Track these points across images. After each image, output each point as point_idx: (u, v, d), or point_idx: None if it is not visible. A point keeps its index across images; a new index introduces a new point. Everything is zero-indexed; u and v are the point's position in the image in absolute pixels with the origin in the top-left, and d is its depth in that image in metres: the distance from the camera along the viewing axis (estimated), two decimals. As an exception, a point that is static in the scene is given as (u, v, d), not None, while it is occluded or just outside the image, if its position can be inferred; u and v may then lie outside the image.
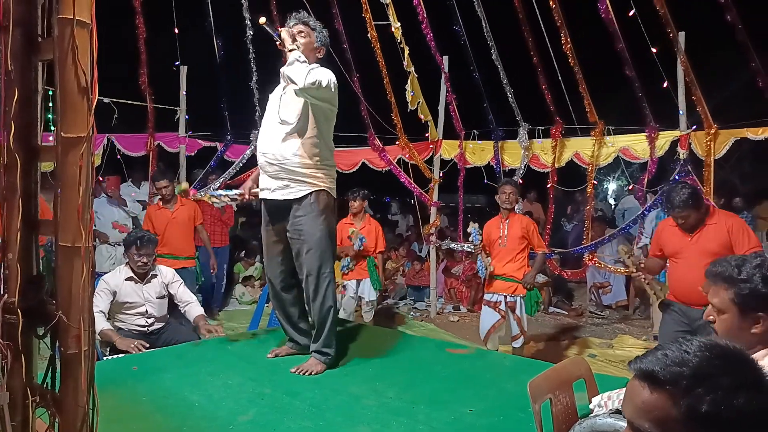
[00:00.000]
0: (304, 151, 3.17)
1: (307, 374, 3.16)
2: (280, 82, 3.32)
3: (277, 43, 3.20)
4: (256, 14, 7.41)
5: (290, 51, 3.11)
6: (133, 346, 3.78)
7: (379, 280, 6.09)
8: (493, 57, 6.78)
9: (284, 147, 3.18)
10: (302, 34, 3.21)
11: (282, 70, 3.13)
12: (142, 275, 4.24)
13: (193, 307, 4.35)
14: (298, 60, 3.06)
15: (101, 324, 3.97)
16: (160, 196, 6.04)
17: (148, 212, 6.16)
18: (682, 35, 5.73)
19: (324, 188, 3.24)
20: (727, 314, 1.82)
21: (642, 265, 4.04)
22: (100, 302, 4.02)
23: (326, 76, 3.08)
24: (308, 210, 3.20)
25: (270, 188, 3.27)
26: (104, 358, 3.61)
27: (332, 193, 3.32)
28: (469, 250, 5.27)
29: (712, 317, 1.87)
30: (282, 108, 3.22)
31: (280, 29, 3.19)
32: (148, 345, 3.88)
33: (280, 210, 3.29)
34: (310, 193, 3.20)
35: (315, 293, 3.24)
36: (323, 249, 3.22)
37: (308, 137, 3.18)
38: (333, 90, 3.14)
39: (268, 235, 3.43)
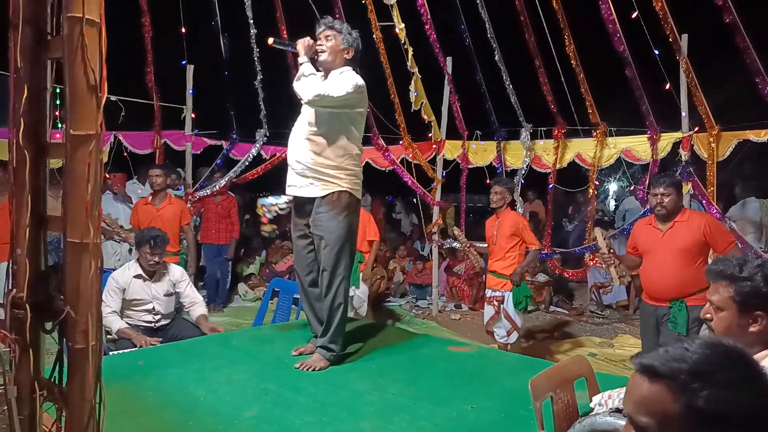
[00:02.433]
0: (330, 153, 3.25)
1: (310, 370, 3.20)
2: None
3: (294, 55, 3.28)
4: (263, 14, 7.47)
5: (301, 64, 3.20)
6: (146, 342, 3.90)
7: (356, 278, 6.01)
8: (496, 58, 6.79)
9: (311, 148, 3.25)
10: (329, 38, 3.27)
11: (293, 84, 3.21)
12: (151, 273, 4.28)
13: (197, 307, 4.42)
14: (304, 74, 3.15)
15: (118, 324, 4.06)
16: (151, 188, 6.02)
17: (136, 206, 6.14)
18: (684, 38, 5.74)
19: (347, 189, 3.29)
20: (726, 312, 1.83)
21: (612, 250, 4.24)
22: (112, 302, 4.09)
23: (337, 86, 3.12)
24: (329, 207, 3.26)
25: (297, 185, 3.36)
26: (110, 353, 3.64)
27: (355, 194, 3.36)
28: (457, 247, 5.38)
29: (709, 315, 1.89)
30: (311, 110, 3.28)
31: (297, 42, 3.25)
32: (161, 339, 4.00)
33: (306, 205, 3.38)
34: (333, 192, 3.27)
35: (327, 289, 3.30)
36: (341, 247, 3.27)
37: (335, 140, 3.25)
38: (353, 94, 3.16)
39: (295, 229, 3.52)
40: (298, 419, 2.58)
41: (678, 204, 3.94)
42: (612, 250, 4.25)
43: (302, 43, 3.24)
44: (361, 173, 3.44)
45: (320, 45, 3.27)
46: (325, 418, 2.61)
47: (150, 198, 5.99)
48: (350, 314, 5.54)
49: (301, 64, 3.20)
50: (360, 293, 6.12)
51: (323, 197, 3.28)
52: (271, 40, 3.29)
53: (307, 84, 3.13)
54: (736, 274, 1.83)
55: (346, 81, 3.16)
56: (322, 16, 3.36)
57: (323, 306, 3.35)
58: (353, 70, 3.32)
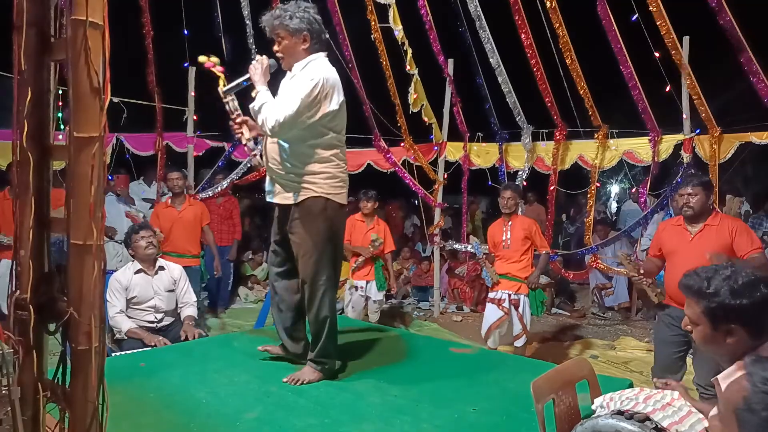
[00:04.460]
0: (297, 157, 3.00)
1: (299, 383, 3.03)
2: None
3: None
4: (261, 13, 7.46)
5: (257, 92, 2.97)
6: (159, 341, 3.93)
7: (384, 282, 6.13)
8: (492, 61, 6.76)
9: (279, 153, 3.04)
10: (279, 39, 3.04)
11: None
12: (151, 264, 4.30)
13: (187, 308, 4.42)
14: (254, 108, 2.93)
15: (127, 324, 4.07)
16: (170, 192, 6.09)
17: (156, 210, 6.22)
18: (686, 40, 5.74)
19: (321, 194, 3.01)
20: (701, 326, 1.81)
21: (641, 271, 3.97)
22: (118, 303, 4.11)
23: (289, 100, 2.85)
24: (303, 214, 3.02)
25: (273, 192, 3.17)
26: (113, 355, 3.65)
27: (335, 198, 3.05)
28: (473, 251, 5.35)
29: (689, 327, 1.88)
30: None
31: (249, 70, 3.03)
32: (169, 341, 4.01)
33: (283, 212, 3.20)
34: (306, 199, 3.01)
35: (310, 302, 3.09)
36: (318, 256, 3.04)
37: (302, 143, 2.99)
38: (313, 97, 2.86)
39: (272, 234, 3.37)
40: (299, 421, 2.58)
41: (706, 205, 3.78)
42: (641, 270, 3.97)
43: (254, 69, 3.02)
44: (342, 174, 3.10)
45: (276, 50, 3.04)
46: (327, 420, 2.61)
47: (170, 201, 6.06)
48: (350, 317, 5.57)
49: (257, 93, 2.95)
50: (378, 298, 6.16)
51: (297, 204, 3.04)
52: (221, 89, 3.13)
53: (262, 115, 2.90)
54: (703, 290, 1.78)
55: (300, 87, 2.87)
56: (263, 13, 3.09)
57: (309, 320, 3.17)
58: (322, 56, 3.07)
